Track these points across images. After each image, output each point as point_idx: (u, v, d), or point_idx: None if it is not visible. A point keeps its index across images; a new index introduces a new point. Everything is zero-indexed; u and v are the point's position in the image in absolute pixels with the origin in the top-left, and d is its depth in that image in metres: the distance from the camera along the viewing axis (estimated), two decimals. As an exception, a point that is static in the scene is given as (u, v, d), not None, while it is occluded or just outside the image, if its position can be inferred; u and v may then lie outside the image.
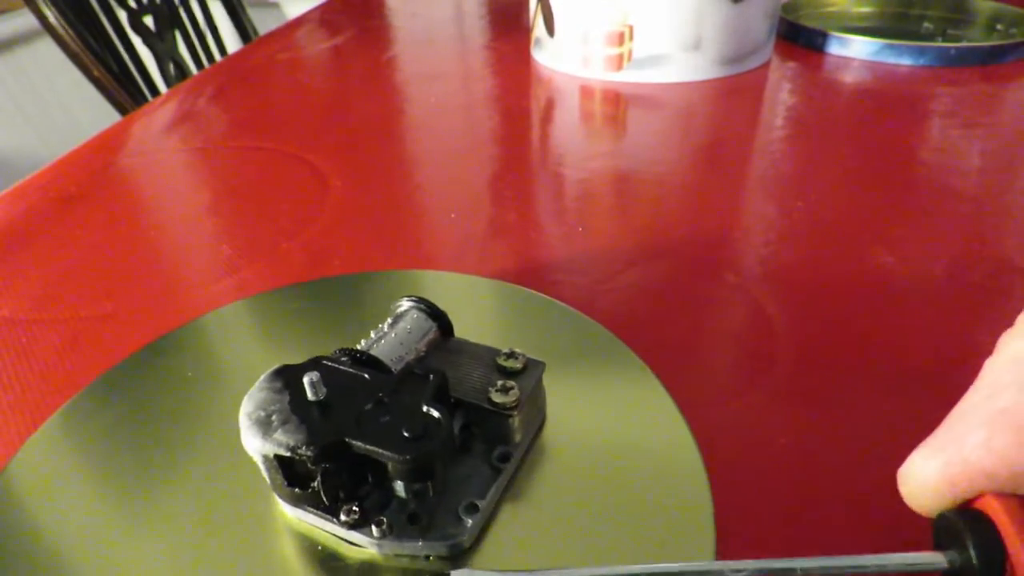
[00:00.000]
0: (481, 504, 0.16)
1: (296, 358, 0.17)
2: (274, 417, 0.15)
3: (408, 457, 0.14)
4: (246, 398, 0.16)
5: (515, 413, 0.17)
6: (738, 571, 0.13)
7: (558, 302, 0.24)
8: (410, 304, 0.19)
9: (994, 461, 0.14)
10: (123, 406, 0.21)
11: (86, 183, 0.41)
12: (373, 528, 0.15)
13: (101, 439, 0.20)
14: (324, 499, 0.15)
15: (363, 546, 0.16)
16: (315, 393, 0.16)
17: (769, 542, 0.18)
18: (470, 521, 0.15)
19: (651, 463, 0.18)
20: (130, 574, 0.16)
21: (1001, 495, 0.14)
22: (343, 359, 0.17)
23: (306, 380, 0.16)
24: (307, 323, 0.24)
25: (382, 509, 0.16)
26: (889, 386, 0.23)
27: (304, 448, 0.15)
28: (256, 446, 0.15)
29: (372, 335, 0.18)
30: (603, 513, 0.16)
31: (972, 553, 0.13)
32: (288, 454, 0.15)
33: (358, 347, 0.18)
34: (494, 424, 0.17)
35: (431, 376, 0.16)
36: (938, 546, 0.15)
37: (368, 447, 0.15)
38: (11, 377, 0.25)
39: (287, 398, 0.16)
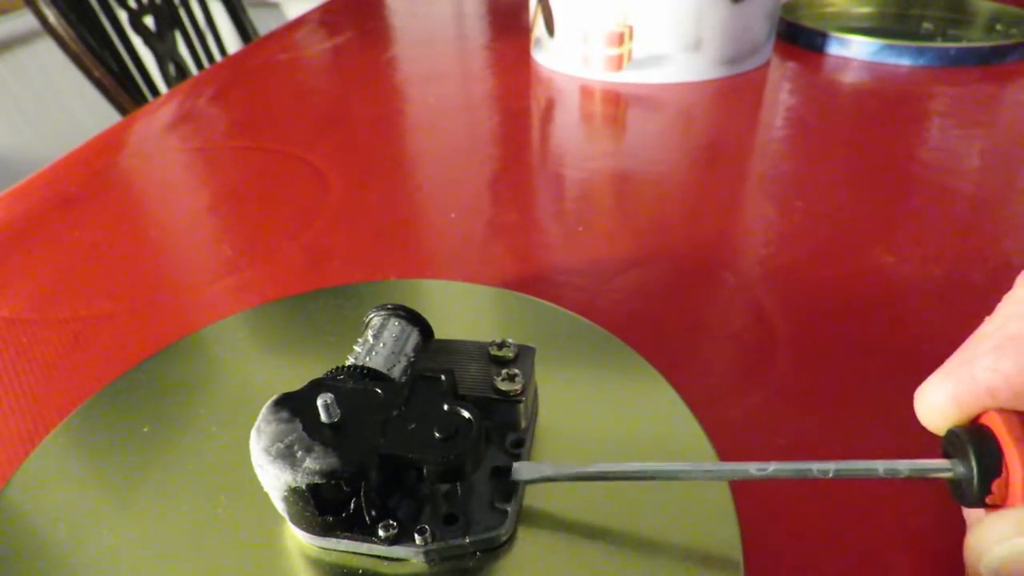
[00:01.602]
0: (514, 494, 0.16)
1: (287, 375, 0.17)
2: (295, 447, 0.15)
3: (450, 457, 0.14)
4: (255, 434, 0.15)
5: (523, 399, 0.17)
6: (763, 469, 0.15)
7: (555, 305, 0.24)
8: (387, 312, 0.19)
9: (998, 381, 0.15)
10: (125, 420, 0.21)
11: (86, 183, 0.41)
12: (416, 537, 0.15)
13: (104, 453, 0.19)
14: (366, 518, 0.15)
15: (407, 558, 0.16)
16: (329, 416, 0.15)
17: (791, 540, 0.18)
18: (508, 508, 0.16)
19: (662, 452, 0.18)
20: None
21: (1003, 411, 0.15)
22: (340, 377, 0.17)
23: (320, 403, 0.15)
24: (297, 337, 0.24)
25: (416, 518, 0.16)
26: (889, 385, 0.23)
27: (341, 470, 0.14)
28: (287, 480, 0.14)
29: (358, 349, 0.18)
30: (623, 503, 0.17)
31: (972, 460, 0.15)
32: (324, 481, 0.14)
33: (349, 363, 0.17)
34: (503, 413, 0.17)
35: (443, 377, 0.16)
36: (946, 457, 0.16)
37: (406, 455, 0.15)
38: (11, 377, 0.25)
39: (300, 426, 0.15)
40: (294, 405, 0.16)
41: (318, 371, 0.17)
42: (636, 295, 0.28)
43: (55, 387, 0.25)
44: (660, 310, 0.27)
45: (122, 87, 0.82)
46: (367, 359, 0.17)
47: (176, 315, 0.28)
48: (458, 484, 0.16)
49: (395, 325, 0.18)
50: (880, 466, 0.15)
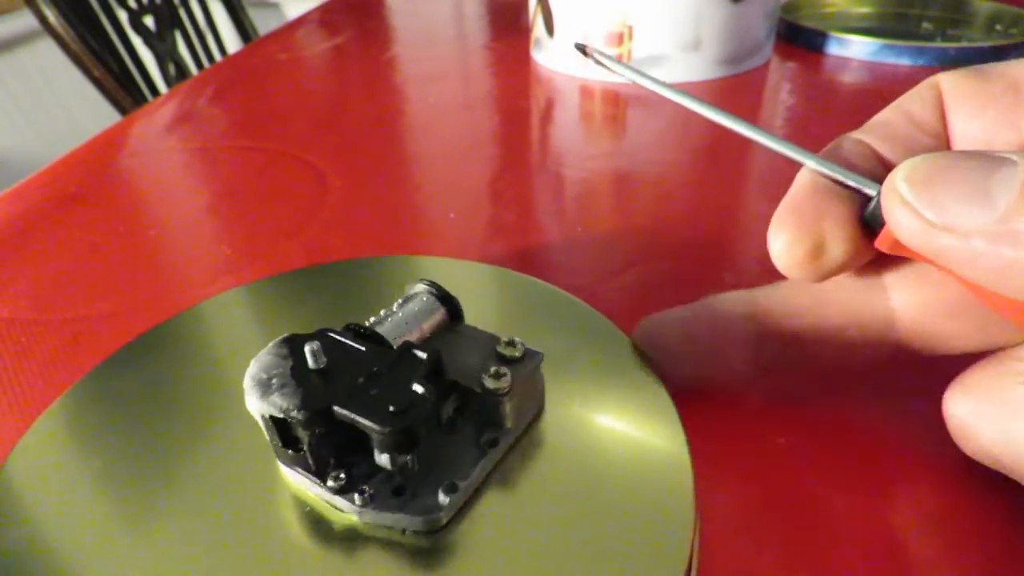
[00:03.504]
0: (461, 484, 0.16)
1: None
2: (274, 380, 0.16)
3: (388, 429, 0.15)
4: (253, 361, 0.17)
5: (504, 399, 0.17)
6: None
7: (563, 292, 0.24)
8: (422, 287, 0.19)
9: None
10: (126, 390, 0.21)
11: (86, 183, 0.41)
12: (356, 496, 0.16)
13: (100, 429, 0.20)
14: (311, 462, 0.16)
15: (345, 512, 0.16)
16: (316, 362, 0.16)
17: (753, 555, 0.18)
18: (448, 499, 0.16)
19: (640, 461, 0.18)
20: (131, 544, 0.16)
21: None
22: (348, 333, 0.18)
23: (307, 348, 0.16)
24: (317, 304, 0.25)
25: (368, 479, 0.16)
26: (887, 385, 0.23)
27: (295, 412, 0.15)
28: (255, 406, 0.16)
29: (381, 313, 0.19)
30: (585, 504, 0.16)
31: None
32: (281, 416, 0.16)
33: (366, 324, 0.18)
34: (485, 408, 0.17)
35: (425, 355, 0.17)
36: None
37: (353, 416, 0.15)
38: (11, 377, 0.25)
39: (290, 364, 0.17)
40: (295, 346, 0.17)
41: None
42: (635, 294, 0.28)
43: (55, 387, 0.25)
44: (659, 309, 0.27)
45: (122, 87, 0.82)
46: (380, 323, 0.18)
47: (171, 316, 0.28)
48: (414, 459, 0.16)
49: (421, 300, 0.19)
50: (814, 161, 0.18)
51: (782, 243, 0.18)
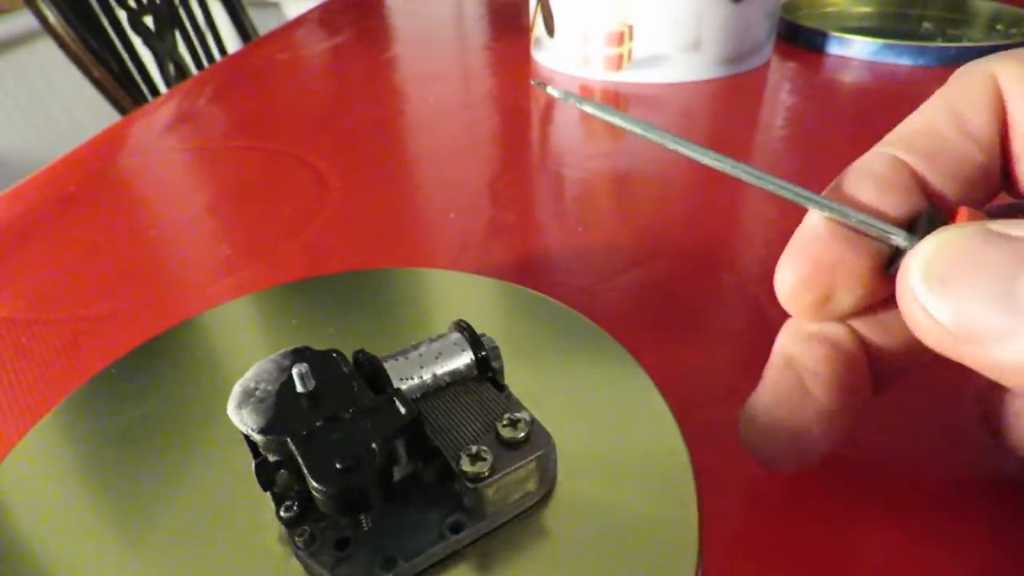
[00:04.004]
0: (401, 564, 0.14)
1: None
2: (258, 391, 0.16)
3: (319, 487, 0.13)
4: (256, 364, 0.16)
5: (479, 487, 0.15)
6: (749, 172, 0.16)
7: (554, 300, 0.24)
8: (456, 330, 0.18)
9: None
10: (121, 405, 0.21)
11: (86, 183, 0.41)
12: (295, 536, 0.15)
13: (94, 442, 0.19)
14: (259, 484, 0.15)
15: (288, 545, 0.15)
16: (303, 385, 0.15)
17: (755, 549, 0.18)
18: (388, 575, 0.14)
19: (642, 476, 0.17)
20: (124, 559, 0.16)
21: (977, 211, 0.15)
22: (348, 362, 0.16)
23: (295, 370, 0.15)
24: (350, 316, 0.24)
25: (319, 520, 0.15)
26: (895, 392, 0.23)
27: (254, 432, 0.15)
28: (229, 413, 0.15)
29: (408, 347, 0.17)
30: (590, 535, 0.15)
31: (921, 231, 0.15)
32: (244, 431, 0.15)
33: (377, 356, 0.17)
34: (460, 489, 0.16)
35: (404, 411, 0.15)
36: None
37: (300, 459, 0.14)
38: (11, 377, 0.25)
39: (283, 379, 0.16)
40: (300, 359, 0.16)
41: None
42: (635, 294, 0.28)
43: (55, 387, 0.25)
44: (659, 309, 0.27)
45: (122, 87, 0.82)
46: (393, 358, 0.17)
47: (176, 315, 0.28)
48: (364, 519, 0.15)
49: (447, 344, 0.17)
50: (838, 207, 0.15)
51: (788, 287, 0.16)
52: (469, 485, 0.15)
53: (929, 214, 0.15)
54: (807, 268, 0.16)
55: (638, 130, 0.17)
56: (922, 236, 0.14)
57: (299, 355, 0.16)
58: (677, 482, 0.16)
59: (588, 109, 0.17)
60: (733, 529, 0.19)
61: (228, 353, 0.23)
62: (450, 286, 0.26)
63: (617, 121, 0.17)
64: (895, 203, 0.16)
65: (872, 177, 0.16)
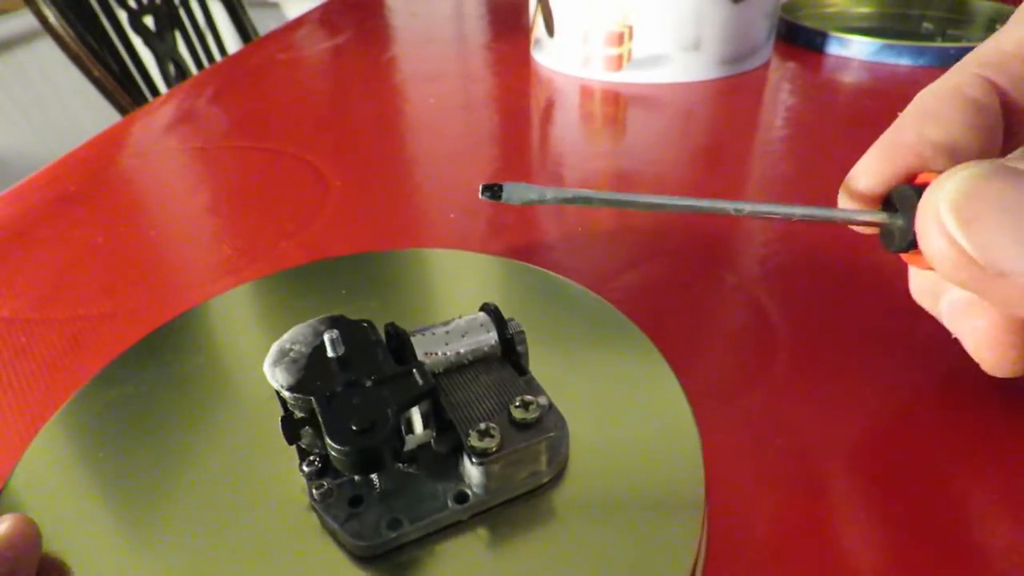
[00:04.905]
0: (406, 525, 0.15)
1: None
2: (292, 352, 0.17)
3: (334, 445, 0.14)
4: (295, 326, 0.17)
5: (484, 462, 0.16)
6: (739, 209, 0.18)
7: (573, 282, 0.24)
8: (485, 312, 0.18)
9: (924, 143, 0.16)
10: (133, 392, 0.21)
11: (86, 183, 0.41)
12: (313, 488, 0.16)
13: (106, 437, 0.20)
14: (284, 434, 0.16)
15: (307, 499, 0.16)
16: (333, 350, 0.16)
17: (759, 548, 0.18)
18: (392, 534, 0.15)
19: (654, 467, 0.17)
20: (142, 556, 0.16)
21: (937, 172, 0.16)
22: (377, 332, 0.18)
23: (327, 336, 0.16)
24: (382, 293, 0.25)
25: (337, 476, 0.16)
26: (888, 384, 0.23)
27: (284, 390, 0.16)
28: (265, 369, 0.16)
29: (436, 323, 0.18)
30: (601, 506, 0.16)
31: (894, 204, 0.17)
32: (275, 387, 0.16)
33: (406, 330, 0.18)
34: (468, 462, 0.16)
35: (421, 381, 0.16)
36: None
37: (320, 418, 0.15)
38: (11, 377, 0.25)
39: (317, 343, 0.17)
40: (334, 325, 0.17)
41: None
42: (635, 295, 0.28)
43: (55, 387, 0.25)
44: (659, 309, 0.27)
45: (122, 87, 0.82)
46: (421, 332, 0.18)
47: (176, 315, 0.28)
48: (381, 480, 0.16)
49: (474, 324, 0.18)
50: (819, 212, 0.17)
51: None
52: (475, 460, 0.16)
53: (899, 191, 0.17)
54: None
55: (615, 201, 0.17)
56: (902, 211, 0.16)
57: (334, 322, 0.18)
58: (688, 475, 0.17)
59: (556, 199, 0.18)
60: (739, 524, 0.19)
61: (279, 318, 0.24)
62: (492, 271, 0.27)
63: (591, 198, 0.18)
64: (986, 125, 0.16)
65: (960, 88, 0.17)
